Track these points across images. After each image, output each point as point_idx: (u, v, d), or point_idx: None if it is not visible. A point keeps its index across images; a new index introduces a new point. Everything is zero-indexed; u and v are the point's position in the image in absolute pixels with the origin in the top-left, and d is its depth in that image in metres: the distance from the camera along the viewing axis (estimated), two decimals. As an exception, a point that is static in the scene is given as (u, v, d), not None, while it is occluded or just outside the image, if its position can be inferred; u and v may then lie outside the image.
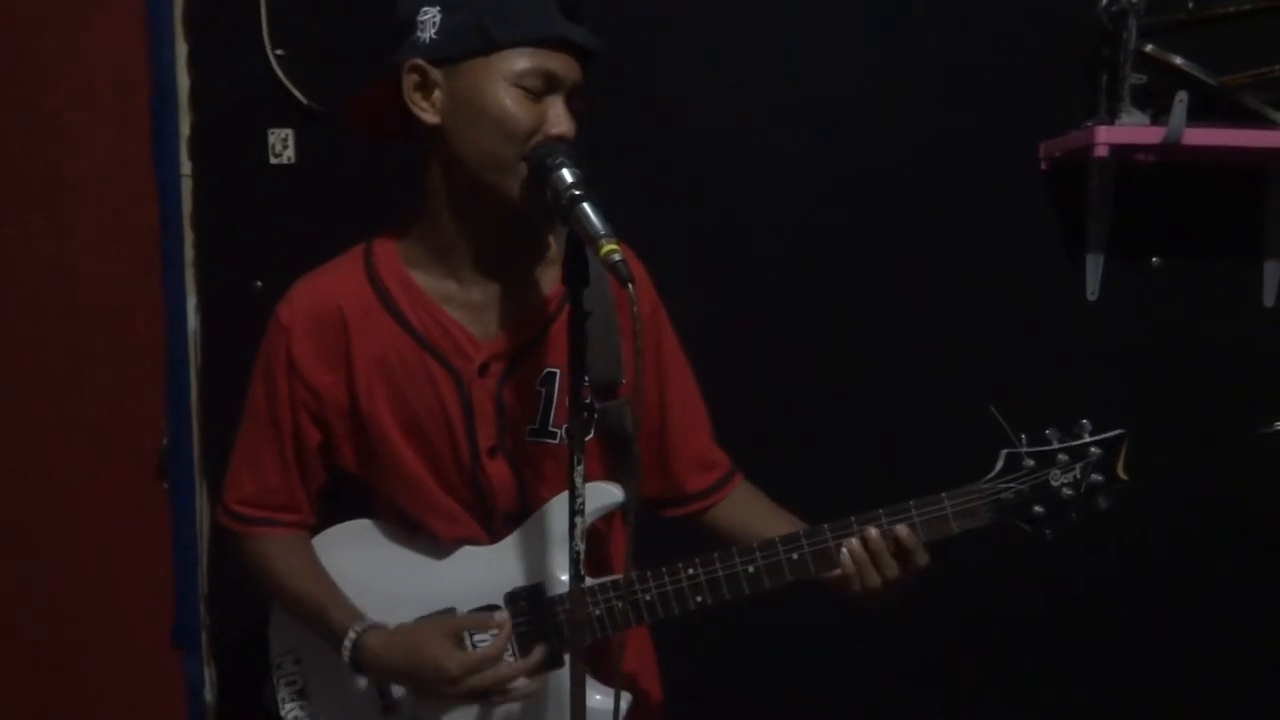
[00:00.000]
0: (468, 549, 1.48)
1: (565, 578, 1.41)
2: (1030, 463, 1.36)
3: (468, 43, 1.30)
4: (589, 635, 1.39)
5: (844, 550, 1.36)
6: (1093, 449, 1.36)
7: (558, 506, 1.43)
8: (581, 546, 1.24)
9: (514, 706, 1.42)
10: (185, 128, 2.04)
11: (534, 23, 1.30)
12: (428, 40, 1.32)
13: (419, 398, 1.43)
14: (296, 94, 2.00)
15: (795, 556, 1.38)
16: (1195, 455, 2.03)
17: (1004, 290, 2.06)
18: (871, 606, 1.39)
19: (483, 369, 1.42)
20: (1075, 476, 1.36)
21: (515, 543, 1.46)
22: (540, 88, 1.31)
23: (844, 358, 2.06)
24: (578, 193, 1.19)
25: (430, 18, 1.32)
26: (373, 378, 1.43)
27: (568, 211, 1.19)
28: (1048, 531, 1.37)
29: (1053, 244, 2.06)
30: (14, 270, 2.05)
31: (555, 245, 1.46)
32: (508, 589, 1.44)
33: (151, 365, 2.06)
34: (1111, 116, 1.93)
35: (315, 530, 1.54)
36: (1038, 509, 1.36)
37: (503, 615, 1.42)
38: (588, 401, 1.38)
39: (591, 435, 1.43)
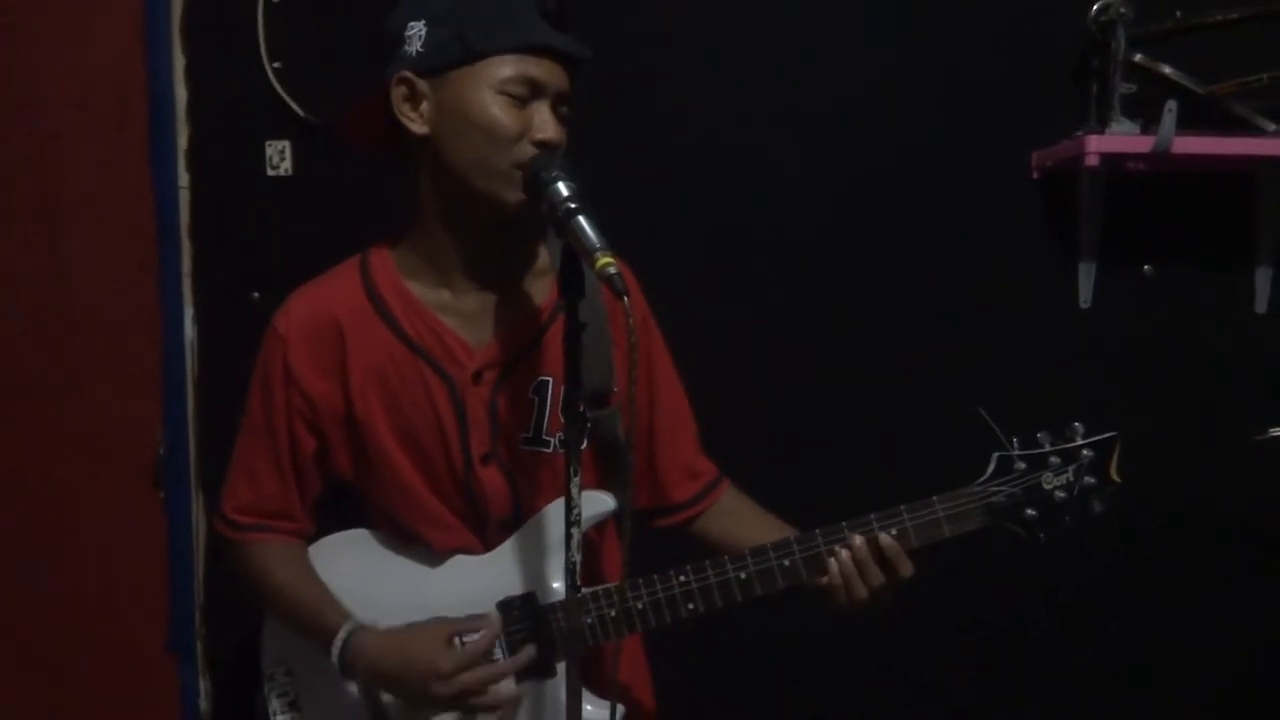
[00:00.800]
0: (460, 558, 1.49)
1: (558, 586, 1.41)
2: (1022, 465, 1.36)
3: (451, 53, 1.34)
4: (581, 643, 1.39)
5: (831, 561, 1.37)
6: (1085, 451, 1.36)
7: (551, 515, 1.44)
8: (578, 557, 1.25)
9: (505, 715, 1.42)
10: (183, 139, 2.04)
11: (516, 31, 1.33)
12: (414, 53, 1.36)
13: (413, 405, 1.44)
14: (294, 106, 2.01)
15: (787, 563, 1.38)
16: (1188, 462, 2.04)
17: (997, 298, 2.06)
18: (858, 615, 1.38)
19: (476, 376, 1.43)
20: (1068, 479, 1.36)
21: (508, 551, 1.47)
22: (525, 94, 1.34)
23: (837, 365, 2.06)
24: (573, 206, 1.21)
25: (416, 31, 1.36)
26: (368, 386, 1.44)
27: (563, 224, 1.21)
28: (1041, 535, 1.37)
29: (1045, 252, 2.07)
30: (12, 280, 2.05)
31: (548, 255, 1.48)
32: (500, 598, 1.44)
33: (148, 375, 2.07)
34: (1102, 126, 1.94)
35: (311, 540, 1.55)
36: (1030, 512, 1.36)
37: (492, 614, 1.42)
38: (581, 410, 1.39)
39: (585, 445, 1.44)
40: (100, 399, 2.07)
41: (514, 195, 1.34)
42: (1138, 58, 1.95)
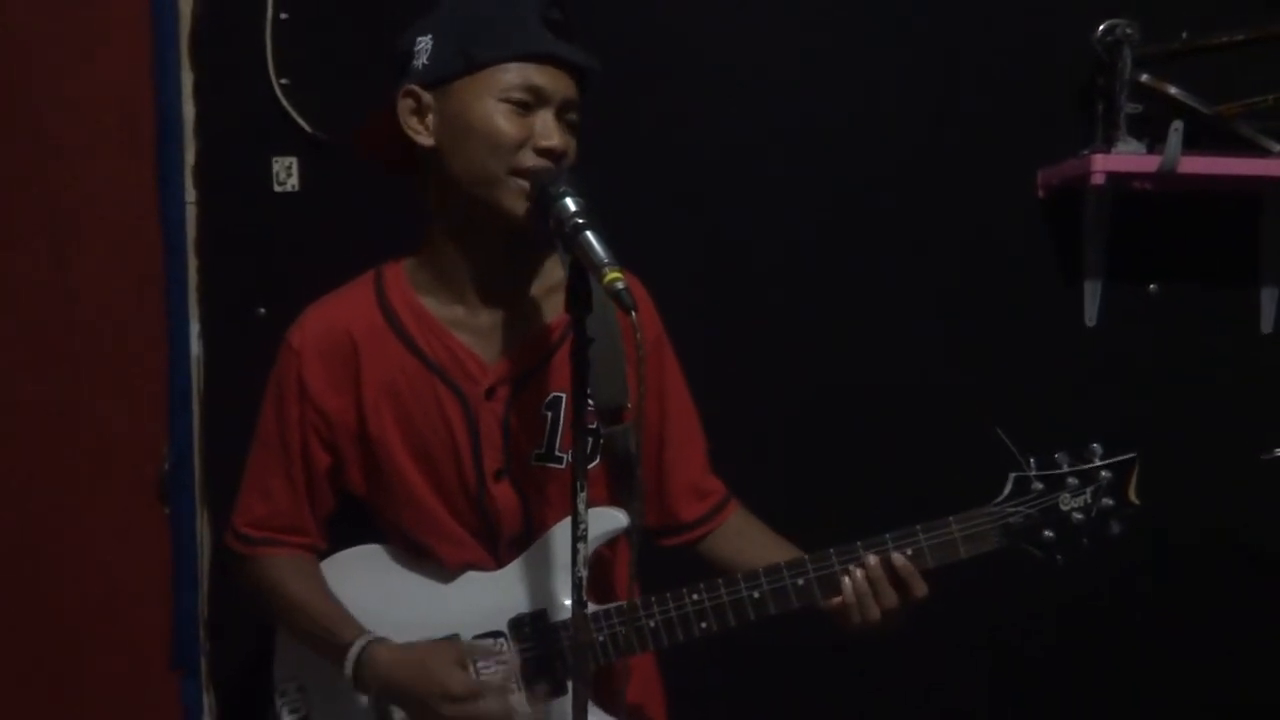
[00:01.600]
0: (472, 574, 1.48)
1: (569, 603, 1.40)
2: (1039, 486, 1.35)
3: (455, 64, 1.36)
4: (592, 661, 1.39)
5: (845, 580, 1.36)
6: (1103, 473, 1.35)
7: (562, 531, 1.43)
8: (585, 573, 1.24)
9: None
10: (190, 155, 2.04)
11: (518, 40, 1.35)
12: (420, 67, 1.38)
13: (426, 421, 1.43)
14: (301, 122, 2.01)
15: (801, 581, 1.38)
16: (1194, 481, 2.03)
17: (1003, 317, 2.06)
18: (871, 636, 1.38)
19: (489, 392, 1.43)
20: (1086, 500, 1.35)
21: (520, 568, 1.46)
22: (528, 101, 1.35)
23: (843, 383, 2.06)
24: (580, 221, 1.21)
25: (423, 46, 1.39)
26: (381, 401, 1.44)
27: (571, 240, 1.20)
28: (1058, 557, 1.36)
29: (1051, 271, 2.07)
30: (17, 296, 2.04)
31: (561, 270, 1.47)
32: (512, 615, 1.44)
33: (154, 390, 2.06)
34: (1108, 145, 1.95)
35: (324, 556, 1.54)
36: (1048, 533, 1.35)
37: (512, 653, 1.41)
38: (593, 427, 1.39)
39: (597, 461, 1.44)
40: (106, 414, 2.06)
41: (520, 205, 1.34)
42: (1144, 78, 1.95)
